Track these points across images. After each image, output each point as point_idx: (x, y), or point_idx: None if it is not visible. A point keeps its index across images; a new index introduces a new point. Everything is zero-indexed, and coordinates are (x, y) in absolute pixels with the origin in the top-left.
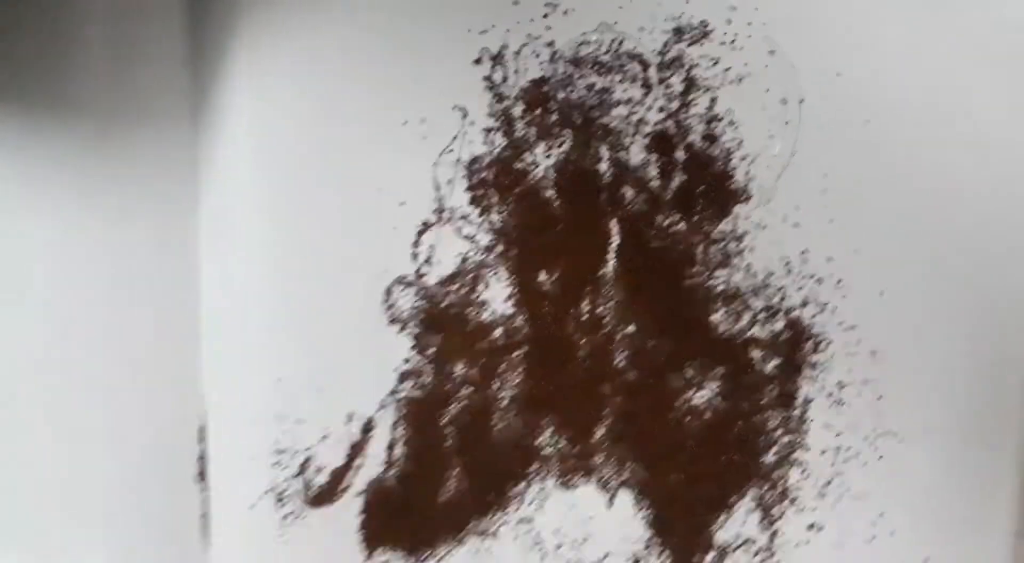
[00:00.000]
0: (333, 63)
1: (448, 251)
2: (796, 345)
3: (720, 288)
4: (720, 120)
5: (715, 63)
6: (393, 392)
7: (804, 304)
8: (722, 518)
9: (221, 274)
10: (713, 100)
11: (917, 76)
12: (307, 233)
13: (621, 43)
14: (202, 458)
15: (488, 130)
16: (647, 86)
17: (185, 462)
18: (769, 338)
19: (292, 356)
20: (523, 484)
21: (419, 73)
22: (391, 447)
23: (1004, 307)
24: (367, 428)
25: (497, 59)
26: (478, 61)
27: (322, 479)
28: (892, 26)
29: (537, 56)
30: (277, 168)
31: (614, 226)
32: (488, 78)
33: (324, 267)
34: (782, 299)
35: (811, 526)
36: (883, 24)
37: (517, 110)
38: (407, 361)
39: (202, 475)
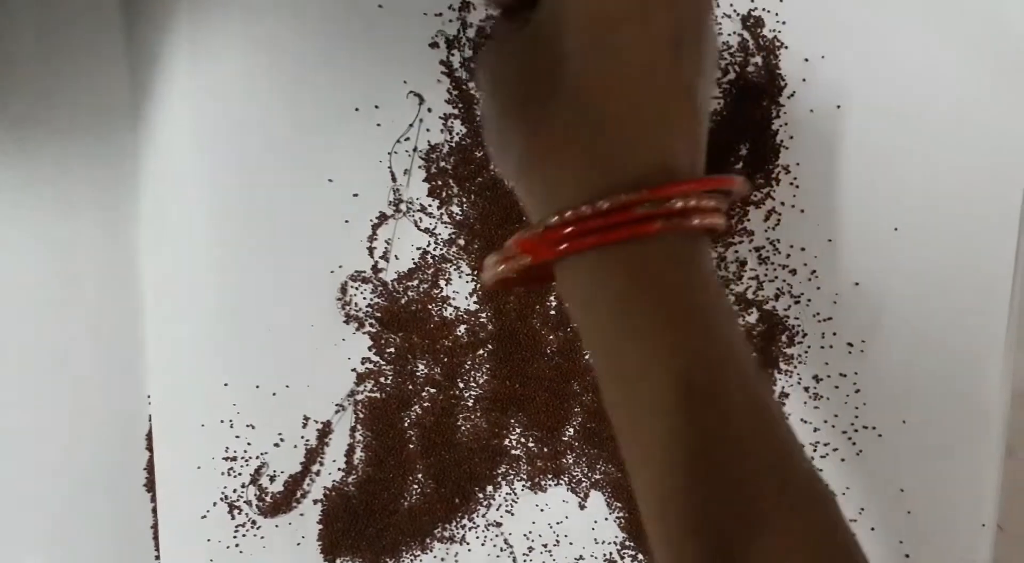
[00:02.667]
0: (280, 47)
1: (406, 245)
2: (770, 338)
3: None
4: None
5: None
6: (351, 394)
7: (778, 296)
8: None
9: (163, 272)
10: None
11: (898, 63)
12: (254, 228)
13: None
14: (150, 466)
15: (447, 117)
16: None
17: (133, 471)
18: (743, 331)
19: (241, 358)
20: (491, 487)
21: (372, 57)
22: (350, 452)
23: (982, 299)
24: (324, 432)
25: (454, 42)
26: (434, 45)
27: (277, 487)
28: (877, 12)
29: None
30: (221, 159)
31: None
32: (445, 62)
33: (273, 263)
34: (756, 290)
35: None
36: (869, 9)
37: (477, 96)
38: (365, 361)
39: (151, 484)
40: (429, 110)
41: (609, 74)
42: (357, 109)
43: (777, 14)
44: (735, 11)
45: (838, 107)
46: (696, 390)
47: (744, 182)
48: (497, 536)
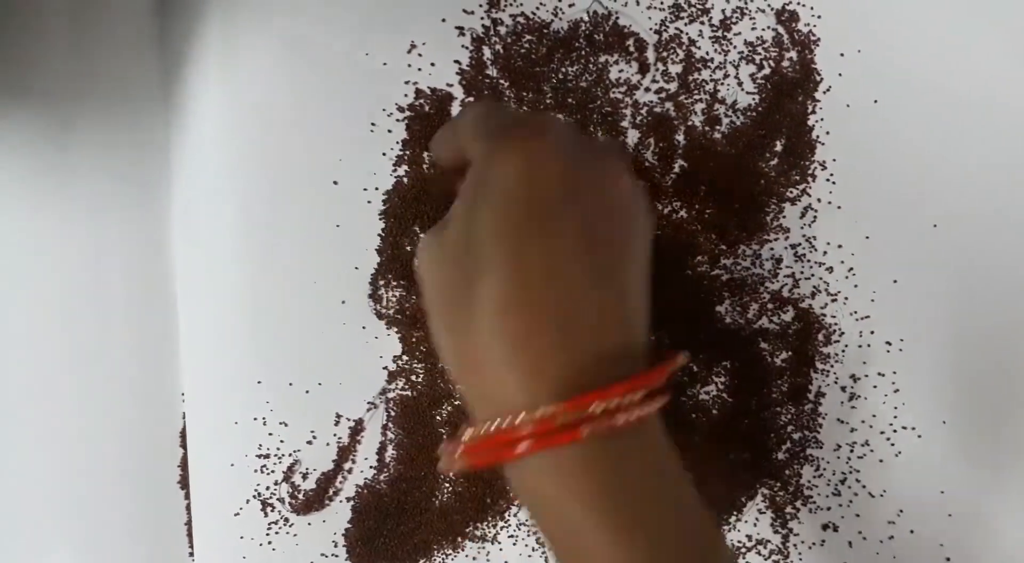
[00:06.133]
0: (313, 43)
1: None
2: (807, 337)
3: (725, 278)
4: (722, 102)
5: (716, 42)
6: (383, 392)
7: (814, 294)
8: (732, 519)
9: (196, 270)
10: (715, 81)
11: (936, 56)
12: (287, 226)
13: (616, 21)
14: (184, 464)
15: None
16: (644, 67)
17: (167, 468)
18: (778, 330)
19: (273, 356)
20: None
21: (400, 57)
22: (382, 449)
23: (1023, 297)
24: (356, 430)
25: (483, 40)
26: (463, 44)
27: (309, 484)
28: (913, 5)
29: (527, 36)
30: (252, 157)
31: None
32: (474, 59)
33: (304, 261)
34: (791, 289)
35: (826, 526)
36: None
37: (507, 93)
38: (397, 359)
39: (184, 481)
40: (458, 108)
41: (523, 288)
42: (383, 109)
43: (812, 8)
44: (769, 6)
45: (875, 102)
46: None
47: (682, 357)
48: (529, 535)
